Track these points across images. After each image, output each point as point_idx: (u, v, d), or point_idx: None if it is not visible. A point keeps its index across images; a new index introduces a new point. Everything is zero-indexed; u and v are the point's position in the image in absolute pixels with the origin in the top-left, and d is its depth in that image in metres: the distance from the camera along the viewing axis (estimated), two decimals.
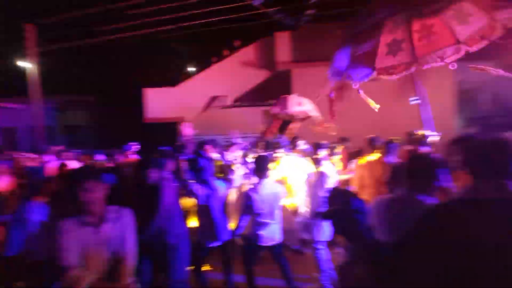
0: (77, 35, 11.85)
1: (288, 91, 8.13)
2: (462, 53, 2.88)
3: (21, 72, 12.79)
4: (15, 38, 12.07)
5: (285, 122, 6.47)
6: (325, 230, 3.05)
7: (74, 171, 1.71)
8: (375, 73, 3.25)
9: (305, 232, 3.50)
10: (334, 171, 3.60)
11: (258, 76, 11.00)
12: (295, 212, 3.78)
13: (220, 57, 11.25)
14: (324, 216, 1.51)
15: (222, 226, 2.95)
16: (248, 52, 10.96)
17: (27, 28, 11.48)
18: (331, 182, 3.27)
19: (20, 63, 12.10)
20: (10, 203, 3.16)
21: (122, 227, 1.71)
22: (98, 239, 1.63)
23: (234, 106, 10.70)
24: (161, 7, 9.69)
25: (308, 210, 3.39)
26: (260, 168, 2.95)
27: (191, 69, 11.75)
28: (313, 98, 6.03)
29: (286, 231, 3.25)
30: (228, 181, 3.25)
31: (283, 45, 10.17)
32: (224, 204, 3.06)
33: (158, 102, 10.91)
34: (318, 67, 9.82)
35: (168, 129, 10.46)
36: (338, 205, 1.45)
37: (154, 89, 11.10)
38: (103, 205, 1.66)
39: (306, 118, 6.02)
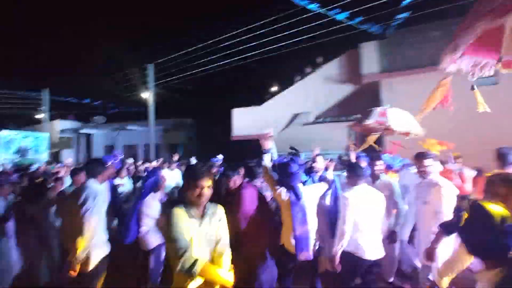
0: (182, 69, 14.03)
1: (374, 104, 7.48)
2: None
3: (139, 101, 15.89)
4: (137, 74, 15.19)
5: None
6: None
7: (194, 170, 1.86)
8: (498, 66, 2.60)
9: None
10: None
11: (342, 91, 10.56)
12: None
13: (303, 75, 11.33)
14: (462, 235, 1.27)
15: (305, 238, 2.73)
16: (331, 67, 10.71)
17: (148, 67, 14.26)
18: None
19: (143, 95, 14.99)
20: None
21: (218, 222, 1.86)
22: (200, 231, 1.78)
23: (317, 122, 10.47)
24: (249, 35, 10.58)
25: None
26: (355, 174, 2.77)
27: (274, 88, 12.22)
28: (411, 110, 5.36)
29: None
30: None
31: (369, 56, 9.55)
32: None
33: (244, 121, 11.64)
34: (412, 76, 8.84)
35: (252, 146, 10.98)
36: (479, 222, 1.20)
37: (240, 109, 11.93)
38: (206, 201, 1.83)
39: (405, 133, 5.33)
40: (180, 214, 1.75)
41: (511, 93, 7.07)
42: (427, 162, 2.87)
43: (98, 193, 2.68)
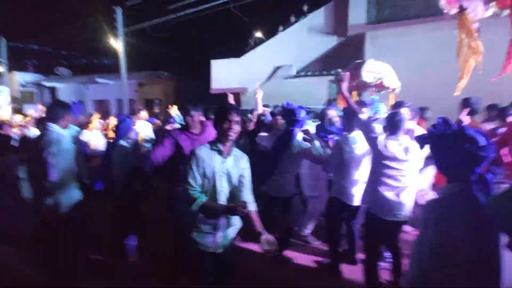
0: (154, 15, 12.69)
1: (358, 58, 7.23)
2: None
3: (109, 51, 14.53)
4: (105, 20, 13.59)
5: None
6: None
7: (223, 106, 2.00)
8: (494, 4, 2.44)
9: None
10: None
11: (326, 44, 10.17)
12: None
13: (287, 25, 10.69)
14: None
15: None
16: (317, 17, 10.14)
17: (117, 11, 12.73)
18: None
19: (112, 43, 13.58)
20: None
21: (241, 167, 1.97)
22: (222, 168, 1.89)
23: (299, 76, 10.17)
24: None
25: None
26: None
27: (258, 38, 11.52)
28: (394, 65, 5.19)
29: None
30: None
31: (357, 5, 9.04)
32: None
33: (223, 73, 11.08)
34: (399, 28, 8.56)
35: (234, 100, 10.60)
36: None
37: (219, 60, 11.27)
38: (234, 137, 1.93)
39: (381, 87, 5.20)
40: (202, 150, 1.89)
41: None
42: (403, 110, 2.99)
43: (60, 137, 2.49)
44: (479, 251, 1.15)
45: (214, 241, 1.90)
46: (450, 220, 1.19)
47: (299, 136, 3.10)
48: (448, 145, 1.28)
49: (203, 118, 2.88)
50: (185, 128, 2.80)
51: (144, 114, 6.29)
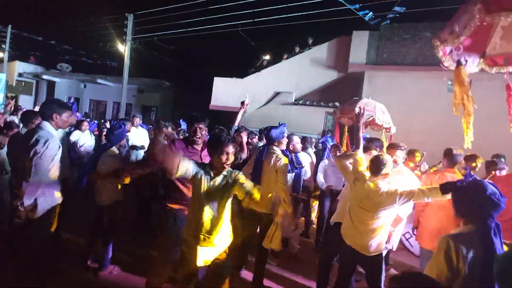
0: (163, 27, 13.02)
1: (355, 95, 7.56)
2: None
3: (114, 54, 14.71)
4: (115, 26, 13.86)
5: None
6: None
7: (220, 136, 2.17)
8: (481, 61, 2.64)
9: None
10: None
11: (326, 77, 10.58)
12: None
13: (291, 54, 11.12)
14: None
15: None
16: (320, 51, 10.62)
17: (129, 17, 13.04)
18: None
19: (121, 47, 13.74)
20: None
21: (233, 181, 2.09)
22: (211, 185, 2.05)
23: (297, 104, 10.47)
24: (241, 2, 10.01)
25: None
26: None
27: (262, 62, 11.88)
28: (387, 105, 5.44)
29: None
30: None
31: (359, 45, 9.56)
32: None
33: (224, 91, 11.31)
34: (394, 72, 9.05)
35: (228, 118, 10.77)
36: None
37: (222, 78, 11.54)
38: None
39: (375, 126, 5.42)
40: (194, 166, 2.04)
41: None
42: (398, 153, 3.22)
43: (50, 136, 2.40)
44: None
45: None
46: (465, 250, 1.46)
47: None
48: (472, 193, 1.58)
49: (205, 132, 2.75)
50: (187, 141, 2.65)
51: (138, 121, 6.26)
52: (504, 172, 3.71)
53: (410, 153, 4.69)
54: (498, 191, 1.52)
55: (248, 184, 2.07)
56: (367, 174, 2.54)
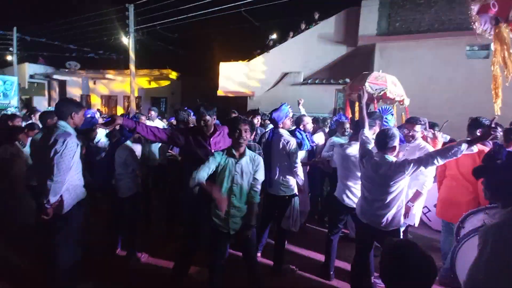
0: (165, 15, 12.78)
1: (366, 69, 7.23)
2: None
3: (120, 48, 14.66)
4: (117, 17, 13.73)
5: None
6: None
7: (235, 117, 2.47)
8: (505, 26, 2.47)
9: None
10: None
11: (335, 53, 10.18)
12: None
13: (297, 31, 10.70)
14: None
15: None
16: (328, 26, 10.16)
17: (129, 8, 12.86)
18: None
19: (124, 40, 13.67)
20: None
21: (254, 165, 2.38)
22: (236, 167, 2.31)
23: (306, 84, 10.18)
24: None
25: None
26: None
27: (268, 43, 11.51)
28: (401, 78, 5.17)
29: None
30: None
31: (369, 16, 9.06)
32: None
33: (231, 76, 11.11)
34: (408, 42, 8.55)
35: (237, 103, 10.64)
36: None
37: (228, 63, 11.31)
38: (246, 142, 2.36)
39: (387, 99, 5.20)
40: (216, 155, 2.32)
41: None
42: (417, 127, 3.08)
43: (68, 135, 2.43)
44: None
45: (226, 224, 2.33)
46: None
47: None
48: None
49: (215, 121, 2.78)
50: (196, 131, 2.70)
51: (154, 114, 6.35)
52: None
53: (430, 127, 4.44)
54: None
55: (259, 178, 2.40)
56: (375, 150, 2.47)
